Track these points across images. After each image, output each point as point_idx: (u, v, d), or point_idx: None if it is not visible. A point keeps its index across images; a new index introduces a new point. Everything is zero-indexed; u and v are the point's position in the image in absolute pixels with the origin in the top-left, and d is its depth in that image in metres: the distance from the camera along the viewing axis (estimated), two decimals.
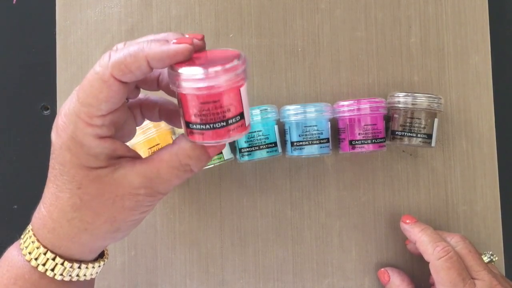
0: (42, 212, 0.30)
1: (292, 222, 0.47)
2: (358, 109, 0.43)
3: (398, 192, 0.47)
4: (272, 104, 0.45)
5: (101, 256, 0.34)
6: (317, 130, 0.43)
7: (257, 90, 0.48)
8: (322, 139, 0.43)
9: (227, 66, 0.26)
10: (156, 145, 0.43)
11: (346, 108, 0.43)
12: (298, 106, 0.43)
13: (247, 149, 0.43)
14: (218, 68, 0.26)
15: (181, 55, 0.27)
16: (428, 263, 0.40)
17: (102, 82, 0.27)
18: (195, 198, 0.47)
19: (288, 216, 0.47)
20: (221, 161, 0.43)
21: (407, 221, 0.44)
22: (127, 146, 0.30)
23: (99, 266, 0.33)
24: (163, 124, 0.43)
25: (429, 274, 0.40)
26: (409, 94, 0.43)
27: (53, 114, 0.48)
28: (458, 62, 0.48)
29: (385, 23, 0.48)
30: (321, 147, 0.43)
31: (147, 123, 0.43)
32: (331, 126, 0.44)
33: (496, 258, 0.42)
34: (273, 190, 0.47)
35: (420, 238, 0.41)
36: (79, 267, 0.31)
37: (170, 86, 0.28)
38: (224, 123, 0.27)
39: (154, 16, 0.48)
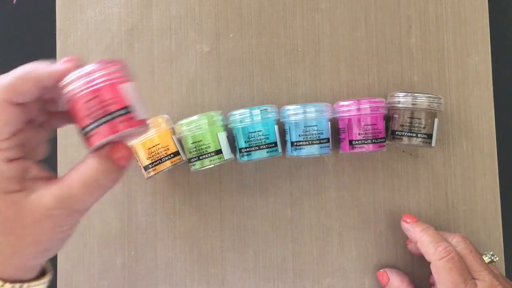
0: None
1: (292, 222, 0.47)
2: (358, 109, 0.43)
3: (398, 192, 0.47)
4: (272, 104, 0.45)
5: (43, 273, 0.33)
6: (317, 130, 0.43)
7: (257, 90, 0.48)
8: (322, 139, 0.43)
9: (97, 64, 0.29)
10: (156, 145, 0.43)
11: (346, 108, 0.43)
12: (298, 106, 0.43)
13: (247, 149, 0.43)
14: (91, 66, 0.29)
15: (61, 74, 0.30)
16: (428, 263, 0.40)
17: None
18: (195, 198, 0.47)
19: (288, 216, 0.47)
20: (221, 161, 0.43)
21: (408, 220, 0.44)
22: (40, 167, 0.31)
23: (44, 283, 0.32)
24: (163, 124, 0.43)
25: (429, 274, 0.40)
26: (409, 94, 0.43)
27: None
28: (458, 62, 0.48)
29: (385, 23, 0.48)
30: (321, 147, 0.43)
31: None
32: (331, 126, 0.44)
33: (497, 259, 0.42)
34: (273, 190, 0.47)
35: (422, 238, 0.41)
36: (19, 286, 0.30)
37: (63, 102, 0.30)
38: (110, 116, 0.29)
39: (154, 16, 0.48)
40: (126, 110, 0.29)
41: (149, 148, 0.43)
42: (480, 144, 0.48)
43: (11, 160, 0.29)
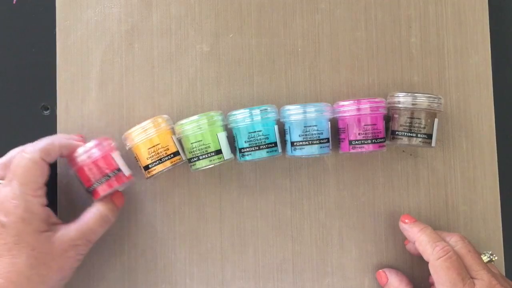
0: None
1: (292, 222, 0.47)
2: (358, 109, 0.43)
3: (398, 192, 0.47)
4: (272, 104, 0.45)
5: None
6: (317, 130, 0.43)
7: (257, 90, 0.48)
8: (322, 139, 0.43)
9: (94, 143, 0.42)
10: (156, 145, 0.43)
11: (346, 108, 0.43)
12: (298, 106, 0.43)
13: (247, 149, 0.43)
14: (90, 144, 0.42)
15: (76, 146, 0.42)
16: (427, 263, 0.40)
17: (35, 164, 0.39)
18: (195, 198, 0.47)
19: (288, 216, 0.47)
20: (221, 161, 0.43)
21: (406, 220, 0.44)
22: (51, 211, 0.41)
23: None
24: (163, 124, 0.43)
25: (429, 274, 0.40)
26: (409, 94, 0.43)
27: (53, 114, 0.48)
28: (458, 62, 0.48)
29: (385, 23, 0.48)
30: (321, 147, 0.43)
31: (147, 122, 0.43)
32: (331, 126, 0.44)
33: (496, 258, 0.42)
34: (273, 190, 0.47)
35: (419, 237, 0.41)
36: None
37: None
38: (107, 177, 0.42)
39: (154, 16, 0.48)
40: (116, 171, 0.42)
41: (149, 148, 0.43)
42: (480, 144, 0.48)
43: (43, 205, 0.39)
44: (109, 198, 0.43)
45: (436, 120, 0.44)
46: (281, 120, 0.44)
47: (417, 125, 0.43)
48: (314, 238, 0.47)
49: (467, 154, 0.48)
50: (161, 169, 0.43)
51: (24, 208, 0.38)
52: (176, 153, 0.43)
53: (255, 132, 0.43)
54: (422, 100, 0.43)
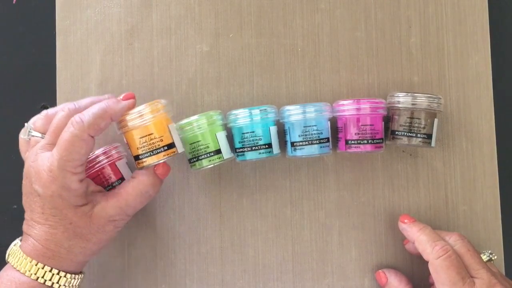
0: (37, 246, 0.38)
1: (292, 222, 0.47)
2: (357, 109, 0.43)
3: (398, 192, 0.47)
4: (271, 105, 0.45)
5: None
6: (317, 130, 0.43)
7: (257, 90, 0.48)
8: (322, 139, 0.43)
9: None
10: (149, 134, 0.39)
11: (345, 107, 0.43)
12: (298, 106, 0.43)
13: (241, 150, 0.43)
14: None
15: (128, 107, 0.39)
16: (427, 262, 0.40)
17: (82, 141, 0.36)
18: (195, 198, 0.47)
19: (288, 216, 0.47)
20: (221, 161, 0.43)
21: (405, 220, 0.44)
22: (91, 181, 0.41)
23: (83, 275, 0.41)
24: (161, 111, 0.40)
25: (429, 273, 0.40)
26: (409, 94, 0.43)
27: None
28: (458, 62, 0.48)
29: (385, 23, 0.48)
30: (321, 147, 0.43)
31: (143, 106, 0.39)
32: (331, 126, 0.44)
33: (495, 257, 0.42)
34: (273, 190, 0.47)
35: (419, 237, 0.41)
36: (74, 278, 0.39)
37: (117, 131, 0.40)
38: (111, 186, 0.41)
39: (154, 16, 0.48)
40: (170, 146, 0.40)
41: (141, 137, 0.39)
42: (480, 144, 0.48)
43: (81, 180, 0.38)
44: (152, 170, 0.40)
45: (436, 120, 0.44)
46: (281, 120, 0.44)
47: (416, 125, 0.43)
48: (314, 238, 0.47)
49: (467, 154, 0.48)
50: (153, 162, 0.39)
51: (61, 185, 0.36)
52: (171, 145, 0.40)
53: (247, 133, 0.43)
54: (422, 100, 0.43)
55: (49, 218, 0.37)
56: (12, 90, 0.49)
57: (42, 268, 0.37)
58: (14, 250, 0.39)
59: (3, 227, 0.49)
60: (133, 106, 0.40)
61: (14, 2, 0.50)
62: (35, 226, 0.38)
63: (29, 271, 0.37)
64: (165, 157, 0.39)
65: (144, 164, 0.40)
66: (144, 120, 0.39)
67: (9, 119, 0.49)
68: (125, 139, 0.40)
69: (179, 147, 0.41)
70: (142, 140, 0.39)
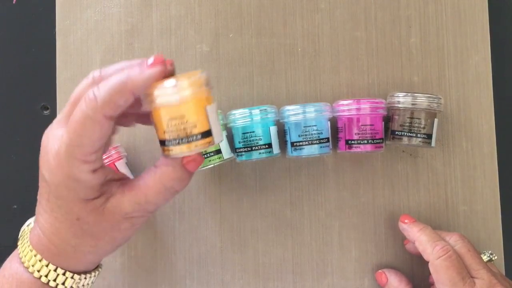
0: (42, 239, 0.32)
1: (292, 222, 0.47)
2: (357, 109, 0.43)
3: (398, 192, 0.47)
4: (271, 104, 0.45)
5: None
6: (317, 130, 0.43)
7: (257, 90, 0.48)
8: (322, 139, 0.43)
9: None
10: (180, 117, 0.29)
11: (345, 107, 0.43)
12: (298, 106, 0.43)
13: (241, 150, 0.43)
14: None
15: (154, 78, 0.29)
16: (427, 262, 0.40)
17: (94, 123, 0.28)
18: (195, 198, 0.47)
19: (288, 216, 0.47)
20: (221, 161, 0.43)
21: (406, 221, 0.44)
22: (112, 169, 0.33)
23: (99, 272, 0.36)
24: (202, 86, 0.30)
25: (429, 273, 0.40)
26: (409, 94, 0.43)
27: (53, 114, 0.48)
28: (458, 62, 0.48)
29: (385, 23, 0.48)
30: (321, 147, 0.43)
31: (177, 79, 0.29)
32: (331, 126, 0.44)
33: (496, 257, 0.42)
34: (273, 190, 0.47)
35: (419, 237, 0.41)
36: (84, 278, 0.34)
37: (143, 107, 0.30)
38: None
39: (154, 16, 0.48)
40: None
41: (170, 119, 0.29)
42: (480, 144, 0.48)
43: (95, 171, 0.30)
44: (179, 162, 0.31)
45: (436, 120, 0.44)
46: (281, 120, 0.44)
47: (416, 125, 0.43)
48: (314, 238, 0.47)
49: (467, 154, 0.48)
50: (182, 153, 0.30)
51: (67, 174, 0.29)
52: (207, 133, 0.30)
53: (247, 133, 0.43)
54: (422, 100, 0.43)
55: (54, 209, 0.31)
56: (12, 90, 0.49)
57: (47, 266, 0.32)
58: (25, 232, 0.34)
59: (3, 227, 0.49)
60: (162, 76, 0.29)
61: (14, 2, 0.50)
62: (43, 215, 0.32)
63: (33, 266, 0.32)
64: (197, 147, 0.30)
65: (171, 153, 0.30)
66: (176, 98, 0.29)
67: (9, 119, 0.49)
68: (151, 118, 0.31)
69: (217, 136, 0.31)
70: (172, 123, 0.30)
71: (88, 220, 0.31)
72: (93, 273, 0.35)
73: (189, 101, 0.29)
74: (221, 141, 0.32)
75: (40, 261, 0.32)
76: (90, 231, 0.32)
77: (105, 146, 0.32)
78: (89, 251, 0.33)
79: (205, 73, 0.30)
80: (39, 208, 0.33)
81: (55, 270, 0.32)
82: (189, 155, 0.31)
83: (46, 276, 0.32)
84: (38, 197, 0.33)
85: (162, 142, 0.30)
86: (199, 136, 0.30)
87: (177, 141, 0.30)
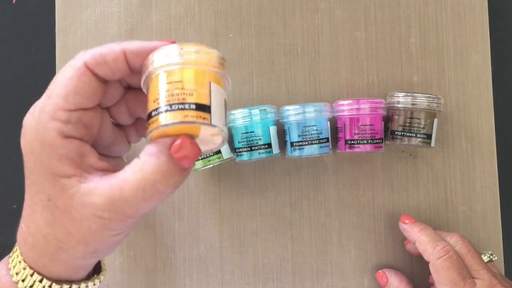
0: (22, 227, 0.28)
1: (291, 222, 0.47)
2: (357, 109, 0.43)
3: (397, 192, 0.47)
4: (271, 104, 0.45)
5: (97, 272, 0.31)
6: (317, 130, 0.43)
7: (257, 90, 0.48)
8: (322, 139, 0.43)
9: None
10: (176, 81, 0.25)
11: (344, 107, 0.43)
12: (297, 106, 0.43)
13: (241, 150, 0.43)
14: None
15: (152, 46, 0.26)
16: (427, 262, 0.40)
17: (73, 70, 0.25)
18: (194, 198, 0.47)
19: (288, 216, 0.47)
20: (221, 161, 0.43)
21: (406, 221, 0.44)
22: (99, 156, 0.27)
23: (94, 284, 0.29)
24: (214, 61, 0.26)
25: (429, 273, 0.40)
26: (409, 94, 0.43)
27: None
28: (458, 62, 0.48)
29: (385, 23, 0.48)
30: (321, 147, 0.43)
31: (182, 45, 0.26)
32: (330, 126, 0.44)
33: (496, 258, 0.42)
34: (273, 190, 0.47)
35: (420, 238, 0.41)
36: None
37: (141, 82, 0.27)
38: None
39: (153, 16, 0.48)
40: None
41: (165, 83, 0.25)
42: (480, 144, 0.48)
43: (67, 137, 0.25)
44: (166, 150, 0.25)
45: (435, 120, 0.44)
46: (280, 120, 0.44)
47: (416, 125, 0.43)
48: (314, 238, 0.47)
49: (467, 154, 0.48)
50: (169, 121, 0.24)
51: (35, 133, 0.25)
52: (203, 107, 0.25)
53: (247, 133, 0.43)
54: (422, 100, 0.43)
55: (30, 187, 0.27)
56: (12, 90, 0.49)
57: (24, 269, 0.27)
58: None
59: (3, 227, 0.49)
60: (160, 46, 0.26)
61: (14, 2, 0.50)
62: (25, 197, 0.28)
63: (12, 262, 0.28)
64: (187, 118, 0.24)
65: (155, 124, 0.25)
66: (177, 60, 0.25)
67: (9, 119, 0.49)
68: (147, 93, 0.26)
69: (217, 118, 0.25)
70: (166, 87, 0.25)
71: (59, 203, 0.26)
72: (85, 284, 0.29)
73: (191, 67, 0.25)
74: (225, 134, 0.26)
75: (19, 262, 0.28)
76: (61, 220, 0.26)
77: (115, 149, 0.30)
78: (59, 247, 0.26)
79: (220, 54, 0.26)
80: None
81: (31, 275, 0.27)
82: (175, 126, 0.24)
83: (23, 281, 0.27)
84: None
85: (149, 115, 0.25)
86: (193, 106, 0.24)
87: (165, 108, 0.24)
